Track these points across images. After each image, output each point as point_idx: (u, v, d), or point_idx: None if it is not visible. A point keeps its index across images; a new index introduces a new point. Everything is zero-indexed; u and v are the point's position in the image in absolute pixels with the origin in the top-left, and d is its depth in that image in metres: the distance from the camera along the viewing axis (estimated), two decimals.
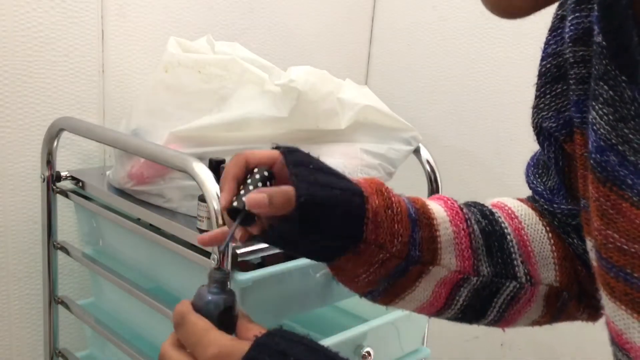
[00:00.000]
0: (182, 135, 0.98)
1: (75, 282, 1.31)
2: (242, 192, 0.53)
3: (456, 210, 0.60)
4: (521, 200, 0.66)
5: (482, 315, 0.62)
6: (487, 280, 0.59)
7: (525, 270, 0.60)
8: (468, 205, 0.63)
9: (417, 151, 1.18)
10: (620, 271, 0.41)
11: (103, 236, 1.19)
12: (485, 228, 0.60)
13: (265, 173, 0.54)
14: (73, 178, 1.17)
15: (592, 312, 0.63)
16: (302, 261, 0.98)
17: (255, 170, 0.54)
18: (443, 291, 0.59)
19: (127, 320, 1.15)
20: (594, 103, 0.42)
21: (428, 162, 1.18)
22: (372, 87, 1.57)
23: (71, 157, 1.26)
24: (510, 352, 1.68)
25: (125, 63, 1.30)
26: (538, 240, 0.61)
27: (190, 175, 0.86)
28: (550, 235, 0.61)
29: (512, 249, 0.59)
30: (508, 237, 0.60)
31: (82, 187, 1.16)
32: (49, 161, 1.14)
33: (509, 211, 0.62)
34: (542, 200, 0.61)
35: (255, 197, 0.50)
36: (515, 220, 0.61)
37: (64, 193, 1.16)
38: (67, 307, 1.19)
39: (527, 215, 0.62)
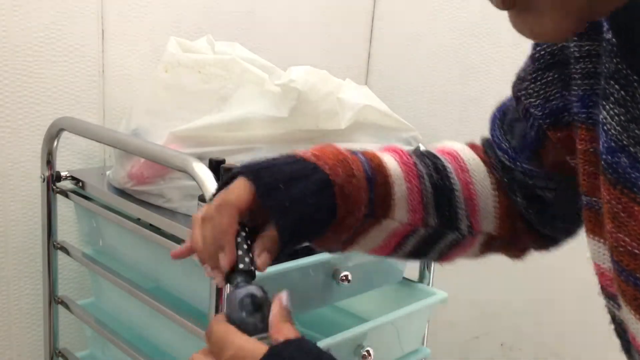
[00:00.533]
0: (182, 135, 0.98)
1: (75, 282, 1.31)
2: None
3: (410, 166, 0.62)
4: (475, 148, 0.67)
5: (422, 256, 0.66)
6: (433, 231, 0.62)
7: (468, 223, 0.63)
8: (422, 156, 0.65)
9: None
10: (630, 275, 0.40)
11: (103, 236, 1.19)
12: (436, 183, 0.62)
13: (243, 233, 0.54)
14: (73, 178, 1.17)
15: (519, 253, 0.68)
16: (302, 261, 0.98)
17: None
18: (393, 240, 0.62)
19: (127, 320, 1.15)
20: (604, 102, 0.42)
21: None
22: (372, 87, 1.57)
23: (71, 157, 1.26)
24: (510, 352, 1.68)
25: (125, 63, 1.30)
26: (484, 196, 0.64)
27: (190, 175, 0.86)
28: (496, 192, 0.64)
29: (458, 204, 0.62)
30: (457, 193, 0.62)
31: (82, 187, 1.16)
32: (49, 161, 1.14)
33: (462, 164, 0.64)
34: (506, 156, 0.63)
35: (265, 261, 0.54)
36: (467, 174, 0.64)
37: (64, 193, 1.16)
38: (67, 307, 1.19)
39: (477, 169, 0.64)
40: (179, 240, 0.94)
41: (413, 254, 0.65)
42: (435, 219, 0.62)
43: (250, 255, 0.54)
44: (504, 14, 0.38)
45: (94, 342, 1.25)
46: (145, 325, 1.11)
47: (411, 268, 1.24)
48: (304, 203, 0.53)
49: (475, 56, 1.61)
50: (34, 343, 1.29)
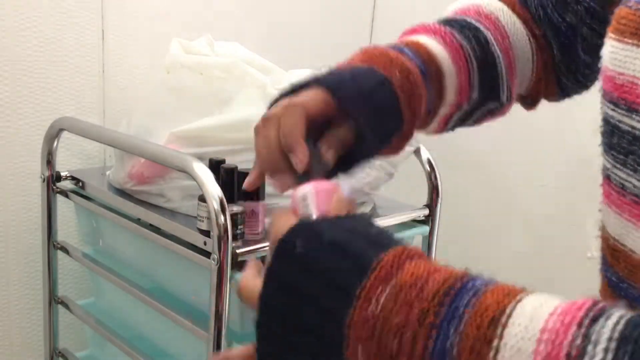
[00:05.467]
0: (182, 135, 0.98)
1: (75, 282, 1.31)
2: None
3: (457, 47, 0.61)
4: (512, 4, 0.66)
5: (459, 126, 0.66)
6: (474, 104, 0.63)
7: (508, 92, 0.63)
8: (462, 29, 0.63)
9: (417, 151, 1.18)
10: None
11: (103, 236, 1.19)
12: (480, 57, 0.62)
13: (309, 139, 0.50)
14: (73, 178, 1.17)
15: (535, 105, 0.69)
16: None
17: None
18: (442, 122, 0.63)
19: (127, 320, 1.15)
20: None
21: (428, 162, 1.18)
22: None
23: (71, 157, 1.26)
24: None
25: (125, 63, 1.30)
26: (523, 59, 0.64)
27: (190, 175, 0.86)
28: (534, 51, 0.64)
29: (499, 75, 0.62)
30: (499, 66, 0.62)
31: (82, 187, 1.16)
32: (49, 161, 1.14)
33: (502, 30, 0.64)
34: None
35: (330, 158, 0.50)
36: (506, 40, 0.63)
37: (64, 193, 1.16)
38: (67, 307, 1.19)
39: (517, 33, 0.64)
40: (179, 240, 0.94)
41: (453, 127, 0.65)
42: (478, 93, 0.62)
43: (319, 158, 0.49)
44: None
45: (94, 342, 1.25)
46: (145, 325, 1.11)
47: None
48: (377, 104, 0.53)
49: None
50: (34, 343, 1.29)
